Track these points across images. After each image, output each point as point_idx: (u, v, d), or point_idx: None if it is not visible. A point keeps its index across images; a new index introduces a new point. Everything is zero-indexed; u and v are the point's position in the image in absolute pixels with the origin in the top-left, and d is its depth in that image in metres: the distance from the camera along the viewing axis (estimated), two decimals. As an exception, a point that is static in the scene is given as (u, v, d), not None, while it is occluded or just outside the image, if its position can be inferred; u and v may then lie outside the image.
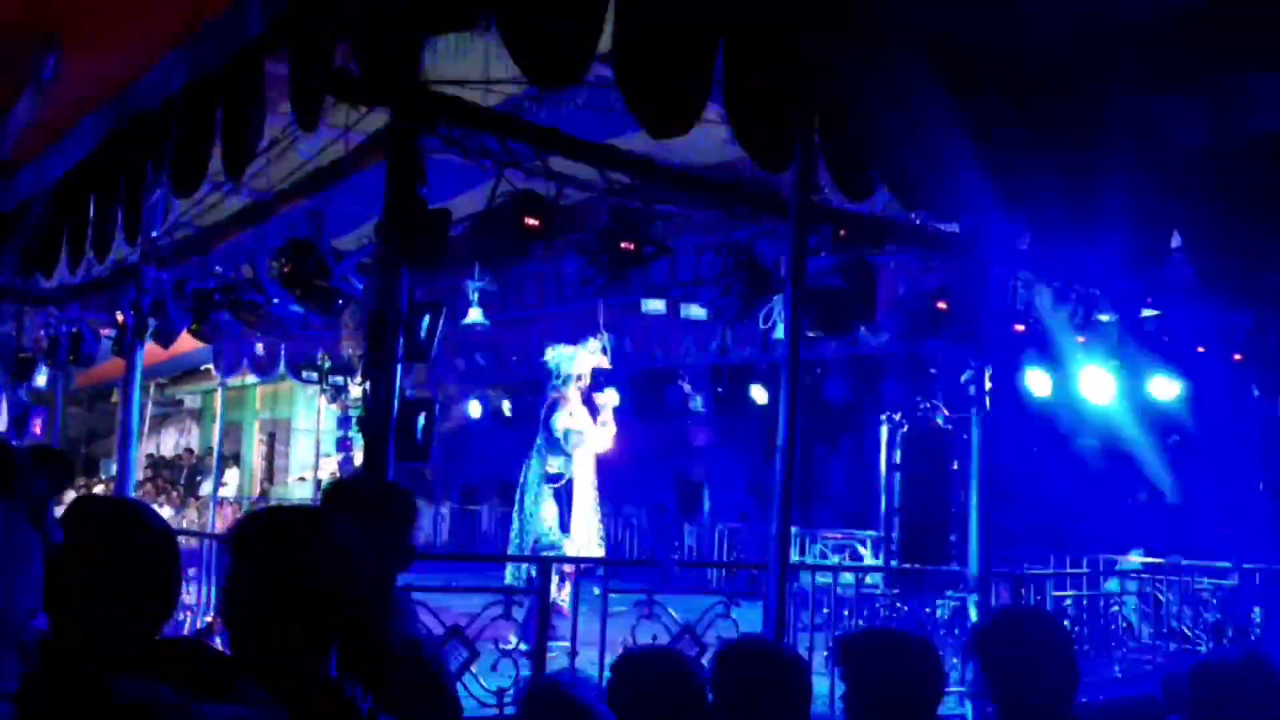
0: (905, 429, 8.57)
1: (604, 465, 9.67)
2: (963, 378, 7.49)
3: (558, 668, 5.94)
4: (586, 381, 9.56)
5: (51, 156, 8.10)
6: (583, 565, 7.77)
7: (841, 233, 6.52)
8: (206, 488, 20.56)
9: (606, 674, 2.91)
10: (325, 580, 1.99)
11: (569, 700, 2.24)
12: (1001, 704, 2.85)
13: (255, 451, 23.70)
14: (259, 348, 15.55)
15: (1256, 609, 8.85)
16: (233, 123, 5.81)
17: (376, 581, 2.66)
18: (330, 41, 5.12)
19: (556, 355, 9.77)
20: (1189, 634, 8.91)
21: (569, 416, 9.42)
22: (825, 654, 7.20)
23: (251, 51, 5.73)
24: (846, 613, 7.80)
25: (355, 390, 15.80)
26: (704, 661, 4.86)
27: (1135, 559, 10.06)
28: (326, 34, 5.14)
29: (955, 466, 8.20)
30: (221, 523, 14.89)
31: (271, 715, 1.79)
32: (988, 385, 7.30)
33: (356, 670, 2.05)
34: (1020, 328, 7.69)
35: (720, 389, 14.27)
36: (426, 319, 5.12)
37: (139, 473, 18.31)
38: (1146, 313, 8.43)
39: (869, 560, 9.59)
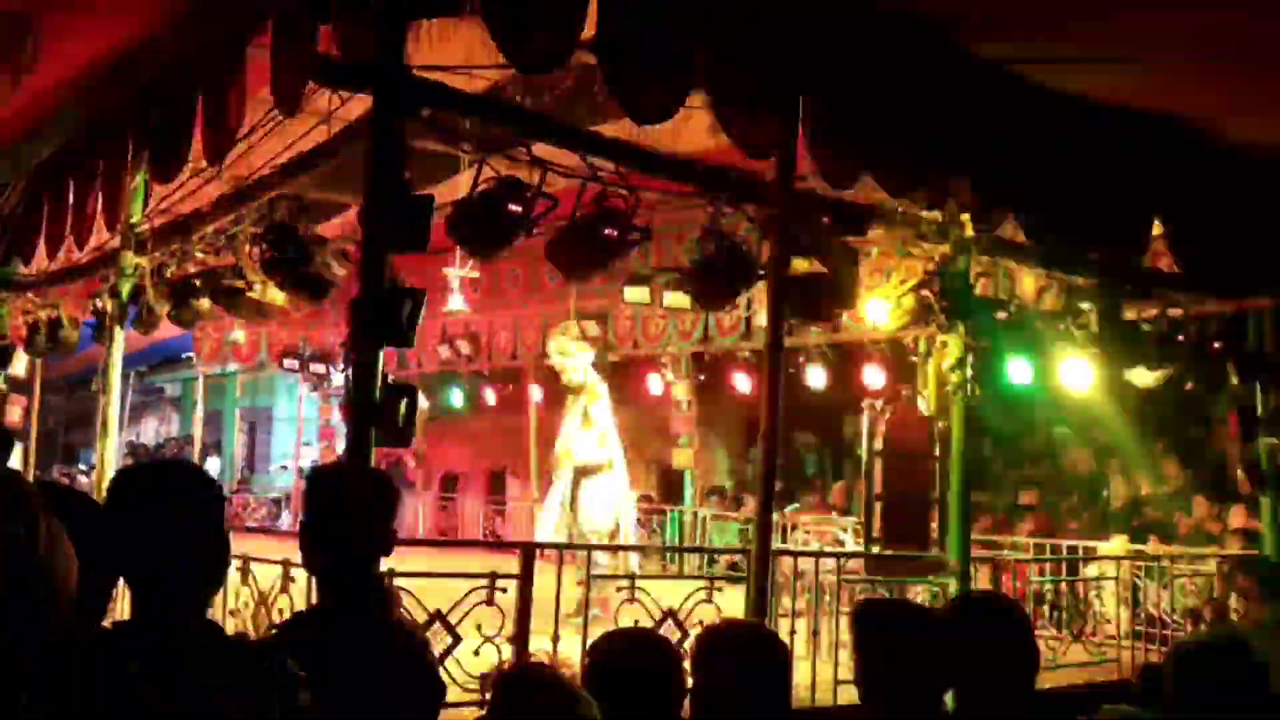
0: (888, 415, 8.58)
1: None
2: (945, 365, 7.52)
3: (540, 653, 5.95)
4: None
5: (30, 141, 8.03)
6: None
7: (825, 219, 6.52)
8: (187, 476, 20.45)
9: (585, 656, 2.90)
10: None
11: (550, 682, 2.21)
12: (961, 688, 2.87)
13: (236, 440, 23.59)
14: (240, 335, 15.48)
15: (1233, 595, 8.90)
16: (213, 107, 5.78)
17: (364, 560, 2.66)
18: (313, 26, 5.10)
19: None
20: (1167, 620, 8.96)
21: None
22: (807, 639, 7.23)
23: (233, 36, 5.70)
24: (827, 598, 7.82)
25: (337, 378, 15.74)
26: (686, 646, 4.88)
27: (1116, 546, 10.11)
28: (309, 18, 5.11)
29: (936, 452, 8.21)
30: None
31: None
32: (970, 372, 7.33)
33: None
34: (1003, 315, 7.71)
35: (702, 376, 14.27)
36: (408, 305, 5.11)
37: (119, 461, 18.17)
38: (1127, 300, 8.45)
39: (850, 546, 9.61)
